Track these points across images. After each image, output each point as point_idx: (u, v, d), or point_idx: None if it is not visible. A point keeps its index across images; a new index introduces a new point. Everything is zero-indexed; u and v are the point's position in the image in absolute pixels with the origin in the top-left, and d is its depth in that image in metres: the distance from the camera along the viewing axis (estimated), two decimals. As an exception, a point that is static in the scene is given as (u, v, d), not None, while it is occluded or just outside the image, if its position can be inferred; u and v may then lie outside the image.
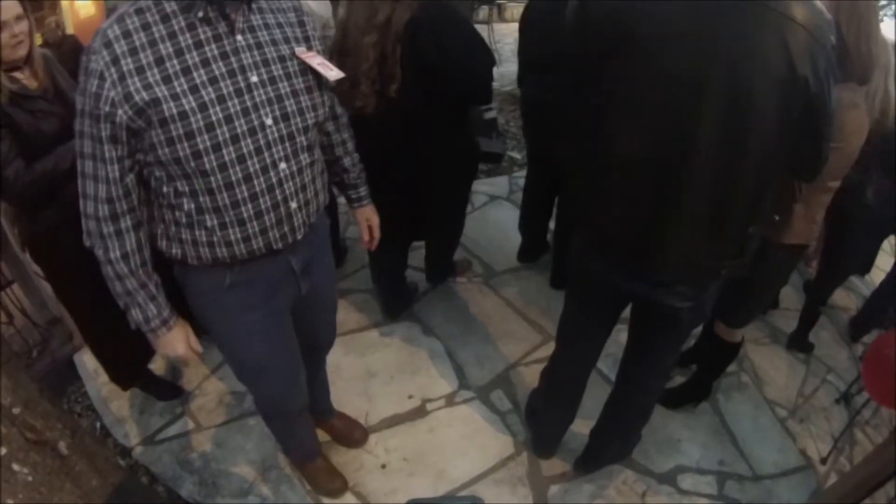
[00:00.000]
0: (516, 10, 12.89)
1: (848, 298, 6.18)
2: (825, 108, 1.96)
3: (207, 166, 1.90)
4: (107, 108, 1.77)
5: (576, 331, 3.09)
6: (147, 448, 3.72)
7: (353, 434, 3.74)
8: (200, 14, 1.80)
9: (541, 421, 3.61)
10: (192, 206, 2.00)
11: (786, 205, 3.02)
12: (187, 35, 1.81)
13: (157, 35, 1.78)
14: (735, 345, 3.87)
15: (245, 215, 2.05)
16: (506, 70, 8.60)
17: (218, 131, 1.87)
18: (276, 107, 2.00)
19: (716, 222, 2.18)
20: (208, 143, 1.87)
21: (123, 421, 3.91)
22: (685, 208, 2.13)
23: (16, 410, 2.28)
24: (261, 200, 2.06)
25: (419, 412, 3.99)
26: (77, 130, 1.86)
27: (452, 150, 3.68)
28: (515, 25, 4.64)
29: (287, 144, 2.05)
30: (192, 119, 1.83)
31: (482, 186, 6.65)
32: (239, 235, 2.10)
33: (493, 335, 4.61)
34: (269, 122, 1.98)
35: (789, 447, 4.21)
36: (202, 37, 1.84)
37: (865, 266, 6.33)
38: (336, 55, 3.31)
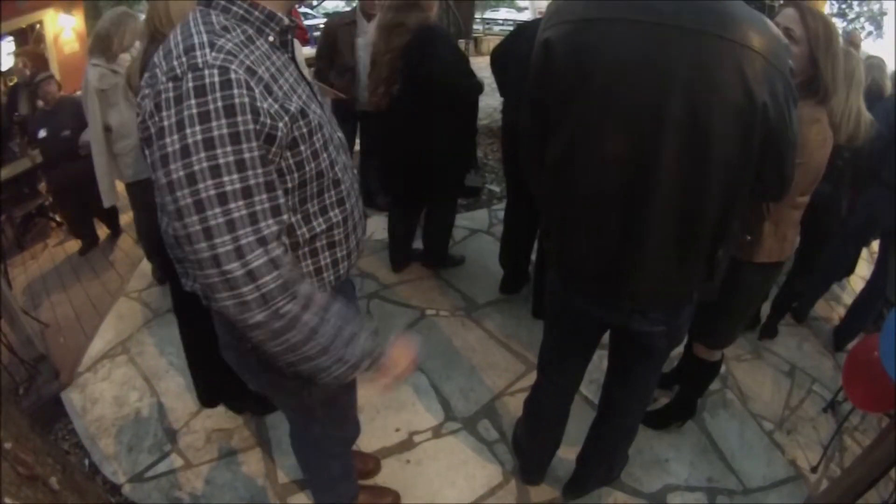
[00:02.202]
0: (492, 42, 13.03)
1: (829, 308, 6.22)
2: (787, 131, 1.99)
3: (334, 177, 1.86)
4: (268, 122, 1.53)
5: (555, 360, 3.11)
6: (136, 485, 3.71)
7: (367, 465, 3.73)
8: (271, 38, 1.71)
9: (526, 449, 3.61)
10: (323, 225, 1.90)
11: (756, 224, 3.07)
12: (273, 56, 1.69)
13: (258, 51, 1.63)
14: (715, 363, 3.89)
15: (350, 226, 2.02)
16: (483, 104, 8.67)
17: (331, 146, 1.84)
18: (334, 123, 1.99)
19: (683, 249, 2.20)
20: (333, 156, 1.84)
21: (112, 458, 3.91)
22: (651, 238, 2.16)
23: (7, 445, 2.27)
24: (355, 212, 2.05)
25: (406, 445, 3.99)
26: (201, 167, 1.44)
27: (445, 138, 4.82)
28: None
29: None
30: (320, 133, 1.77)
31: (462, 221, 6.70)
32: (345, 251, 2.06)
33: (478, 367, 4.63)
34: (339, 135, 1.99)
35: (778, 459, 4.23)
36: (282, 59, 1.74)
37: (846, 271, 6.39)
38: (369, 67, 5.00)
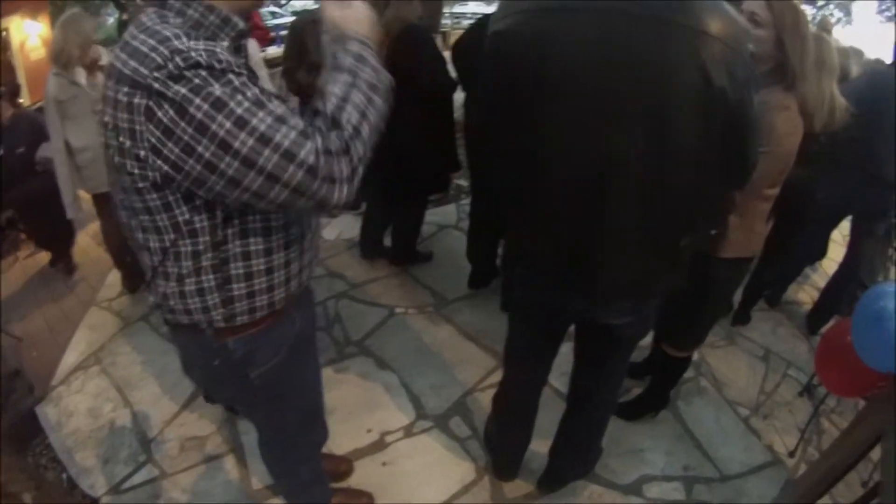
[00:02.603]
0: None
1: (802, 292, 6.23)
2: (747, 115, 1.95)
3: None
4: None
5: (521, 354, 3.07)
6: (114, 497, 3.65)
7: (340, 468, 3.69)
8: (226, 43, 1.68)
9: (498, 445, 3.57)
10: (284, 233, 1.93)
11: (722, 218, 3.00)
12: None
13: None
14: (685, 358, 3.88)
15: (302, 230, 2.03)
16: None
17: None
18: None
19: (645, 239, 2.17)
20: None
21: (89, 471, 3.84)
22: (614, 228, 2.12)
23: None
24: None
25: (379, 445, 3.94)
26: (228, 100, 1.48)
27: (423, 136, 4.79)
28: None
29: None
30: None
31: (430, 217, 6.64)
32: (306, 261, 2.08)
33: (448, 363, 4.59)
34: None
35: (755, 445, 4.21)
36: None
37: (818, 254, 6.40)
38: None
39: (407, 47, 4.43)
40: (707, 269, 3.13)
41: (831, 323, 5.27)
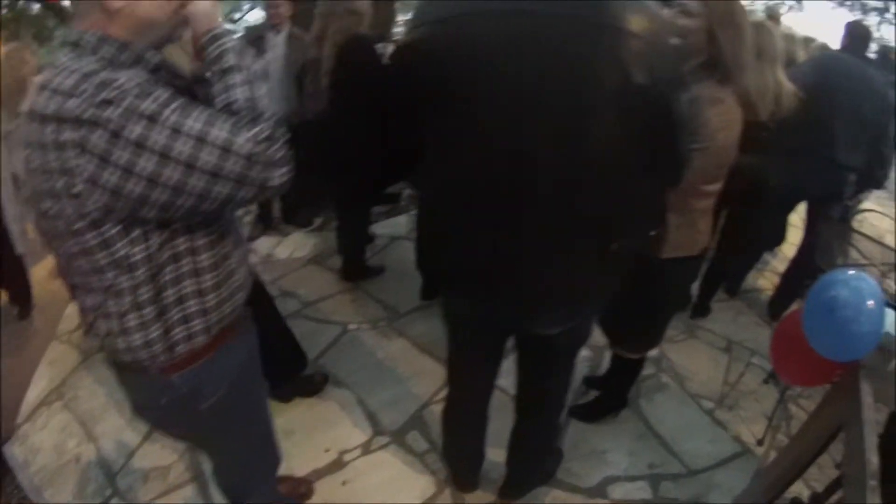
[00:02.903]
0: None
1: (763, 279, 6.22)
2: (673, 114, 1.89)
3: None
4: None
5: (462, 370, 3.00)
6: (84, 534, 3.53)
7: (299, 490, 3.62)
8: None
9: (454, 458, 3.49)
10: (210, 252, 1.92)
11: (660, 218, 2.90)
12: None
13: None
14: (637, 360, 3.83)
15: (226, 251, 2.02)
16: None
17: None
18: None
19: (571, 246, 2.09)
20: None
21: (59, 509, 3.76)
22: (536, 237, 2.05)
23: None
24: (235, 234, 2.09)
25: (338, 464, 3.85)
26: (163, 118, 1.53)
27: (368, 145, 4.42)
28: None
29: None
30: None
31: (382, 228, 6.62)
32: (235, 283, 2.07)
33: (403, 377, 4.51)
34: None
35: (722, 436, 4.18)
36: None
37: (776, 240, 6.40)
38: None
39: (348, 59, 4.37)
40: (652, 271, 3.05)
41: (793, 308, 5.24)
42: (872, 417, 2.20)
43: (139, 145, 1.48)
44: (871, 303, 2.24)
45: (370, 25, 4.67)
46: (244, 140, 1.58)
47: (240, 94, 1.69)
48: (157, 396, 2.02)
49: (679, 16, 2.67)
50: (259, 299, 3.48)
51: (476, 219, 2.12)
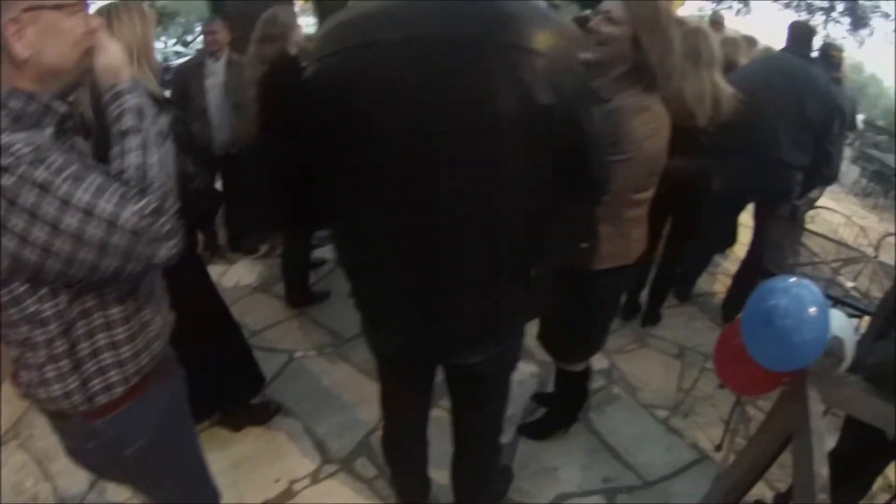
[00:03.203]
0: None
1: (716, 282, 6.22)
2: (583, 131, 1.83)
3: None
4: None
5: (393, 401, 2.91)
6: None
7: None
8: (49, 130, 1.68)
9: (400, 485, 3.39)
10: (121, 307, 1.88)
11: (591, 231, 2.83)
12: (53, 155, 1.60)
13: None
14: (580, 372, 3.76)
15: (138, 304, 1.99)
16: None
17: None
18: None
19: (484, 273, 2.01)
20: None
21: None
22: (448, 268, 1.96)
23: None
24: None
25: (288, 494, 3.76)
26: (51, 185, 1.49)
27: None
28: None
29: None
30: None
31: (325, 253, 6.51)
32: (151, 333, 2.04)
33: (349, 403, 4.44)
34: None
35: (678, 444, 4.13)
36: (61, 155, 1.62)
37: (726, 242, 6.42)
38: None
39: (272, 81, 4.27)
40: (585, 283, 3.01)
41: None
42: (822, 427, 2.12)
43: (32, 214, 1.45)
44: (812, 310, 2.17)
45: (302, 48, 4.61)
46: (130, 214, 1.54)
47: (132, 161, 1.66)
48: (83, 442, 2.02)
49: (603, 23, 2.64)
50: (221, 322, 3.76)
51: (387, 251, 2.06)
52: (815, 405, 2.17)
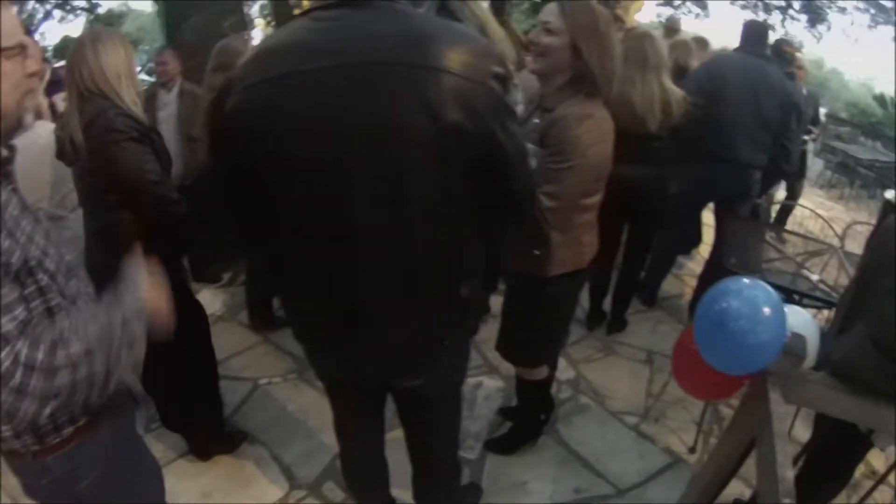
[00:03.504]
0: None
1: (681, 284, 6.25)
2: (500, 145, 1.79)
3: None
4: None
5: (346, 428, 2.89)
6: None
7: None
8: None
9: (365, 505, 3.36)
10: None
11: (541, 237, 2.85)
12: None
13: None
14: (539, 381, 3.72)
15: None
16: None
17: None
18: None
19: (410, 297, 1.98)
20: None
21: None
22: (372, 293, 1.95)
23: None
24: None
25: (257, 523, 3.71)
26: None
27: None
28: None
29: None
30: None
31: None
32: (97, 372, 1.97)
33: (315, 428, 4.39)
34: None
35: (650, 450, 4.11)
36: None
37: (689, 244, 6.43)
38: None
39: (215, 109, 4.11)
40: (540, 290, 3.03)
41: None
42: (785, 429, 2.09)
43: None
44: (767, 310, 2.13)
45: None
46: (5, 354, 1.48)
47: (71, 331, 1.65)
48: (37, 479, 2.01)
49: (542, 34, 2.65)
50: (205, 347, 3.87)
51: (312, 279, 2.04)
52: (778, 407, 2.13)
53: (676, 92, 4.12)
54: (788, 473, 1.92)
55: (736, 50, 5.28)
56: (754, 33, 5.19)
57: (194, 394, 3.85)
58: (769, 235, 5.10)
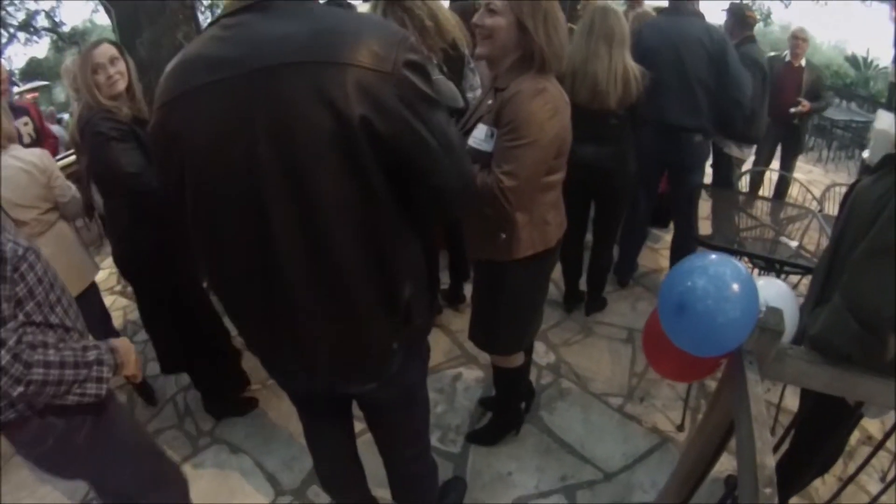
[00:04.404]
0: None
1: (658, 258, 6.20)
2: (421, 138, 1.72)
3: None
4: None
5: (313, 435, 2.86)
6: None
7: None
8: None
9: (345, 507, 3.33)
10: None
11: (506, 219, 2.80)
12: None
13: None
14: (516, 369, 3.62)
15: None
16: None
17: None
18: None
19: (342, 303, 1.92)
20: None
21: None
22: (300, 303, 1.89)
23: None
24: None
25: (244, 531, 3.67)
26: None
27: None
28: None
29: None
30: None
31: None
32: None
33: (295, 434, 4.30)
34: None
35: (636, 432, 4.06)
36: None
37: (659, 218, 6.42)
38: None
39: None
40: (505, 276, 3.00)
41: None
42: (763, 412, 1.99)
43: None
44: (735, 286, 2.04)
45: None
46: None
47: (39, 356, 2.07)
48: (41, 444, 2.29)
49: (486, 16, 2.60)
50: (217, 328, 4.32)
51: (244, 292, 1.99)
52: (755, 388, 2.04)
53: (635, 68, 4.05)
54: (768, 460, 1.82)
55: (660, 13, 5.29)
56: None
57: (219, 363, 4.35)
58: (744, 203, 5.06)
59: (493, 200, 2.57)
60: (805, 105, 6.75)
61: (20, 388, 1.97)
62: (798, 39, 7.05)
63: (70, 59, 3.27)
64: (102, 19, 25.17)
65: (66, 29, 26.19)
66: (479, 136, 2.67)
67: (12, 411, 2.17)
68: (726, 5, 6.08)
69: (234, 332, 3.86)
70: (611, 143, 4.21)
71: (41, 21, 23.57)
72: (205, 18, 20.41)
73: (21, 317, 2.09)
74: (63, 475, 2.66)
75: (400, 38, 1.66)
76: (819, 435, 2.86)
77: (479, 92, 3.22)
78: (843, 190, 5.54)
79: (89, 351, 2.26)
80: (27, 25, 24.15)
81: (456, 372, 4.60)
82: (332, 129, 1.57)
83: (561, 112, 2.68)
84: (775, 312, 2.11)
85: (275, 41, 1.59)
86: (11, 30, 23.01)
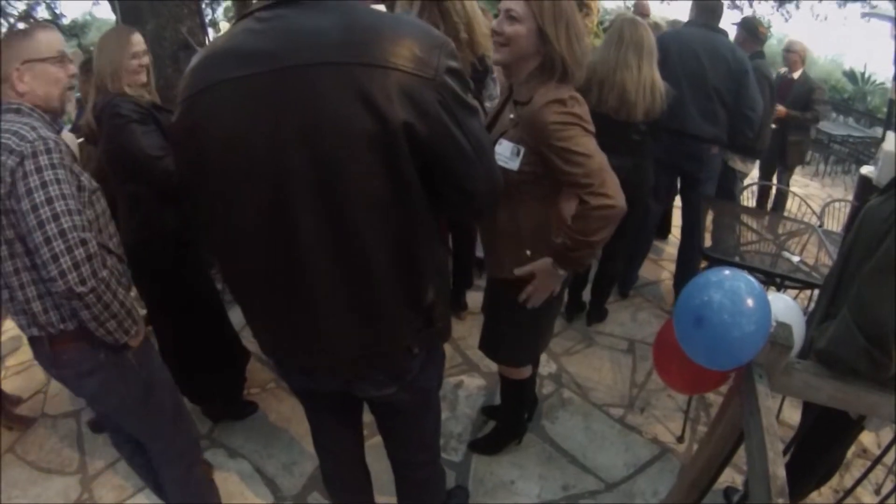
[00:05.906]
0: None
1: (659, 269, 6.20)
2: (453, 145, 1.73)
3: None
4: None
5: (322, 439, 2.86)
6: None
7: None
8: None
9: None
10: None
11: (538, 240, 2.80)
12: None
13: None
14: (524, 380, 3.63)
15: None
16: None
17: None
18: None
19: (366, 304, 1.92)
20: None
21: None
22: (323, 303, 1.89)
23: None
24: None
25: (241, 537, 3.62)
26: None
27: None
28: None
29: None
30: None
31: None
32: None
33: (296, 438, 4.32)
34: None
35: (637, 442, 4.06)
36: None
37: (662, 229, 6.41)
38: None
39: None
40: (522, 286, 2.92)
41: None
42: (774, 423, 2.02)
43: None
44: (750, 301, 2.07)
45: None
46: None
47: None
48: (83, 371, 2.53)
49: (505, 23, 2.55)
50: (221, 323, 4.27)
51: (265, 290, 1.98)
52: (765, 400, 2.07)
53: (661, 84, 4.07)
54: (780, 471, 1.85)
55: (685, 24, 5.29)
56: (704, 8, 5.12)
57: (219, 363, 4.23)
58: (745, 217, 5.09)
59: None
60: (781, 110, 6.78)
61: (84, 289, 2.15)
62: (790, 52, 7.15)
63: (71, 50, 3.26)
64: (102, 12, 25.11)
65: (65, 21, 26.13)
66: (505, 154, 2.63)
67: (75, 321, 2.36)
68: (735, 18, 6.11)
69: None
70: (632, 155, 4.22)
71: (41, 12, 23.51)
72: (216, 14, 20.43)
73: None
74: (105, 401, 2.82)
75: (441, 42, 1.67)
76: (820, 448, 2.88)
77: (496, 101, 3.22)
78: (843, 206, 5.58)
79: (134, 311, 2.46)
80: (27, 16, 24.10)
81: (458, 380, 4.59)
82: (373, 130, 1.57)
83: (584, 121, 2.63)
84: (785, 327, 2.14)
85: (312, 38, 1.59)
86: (11, 20, 22.97)
